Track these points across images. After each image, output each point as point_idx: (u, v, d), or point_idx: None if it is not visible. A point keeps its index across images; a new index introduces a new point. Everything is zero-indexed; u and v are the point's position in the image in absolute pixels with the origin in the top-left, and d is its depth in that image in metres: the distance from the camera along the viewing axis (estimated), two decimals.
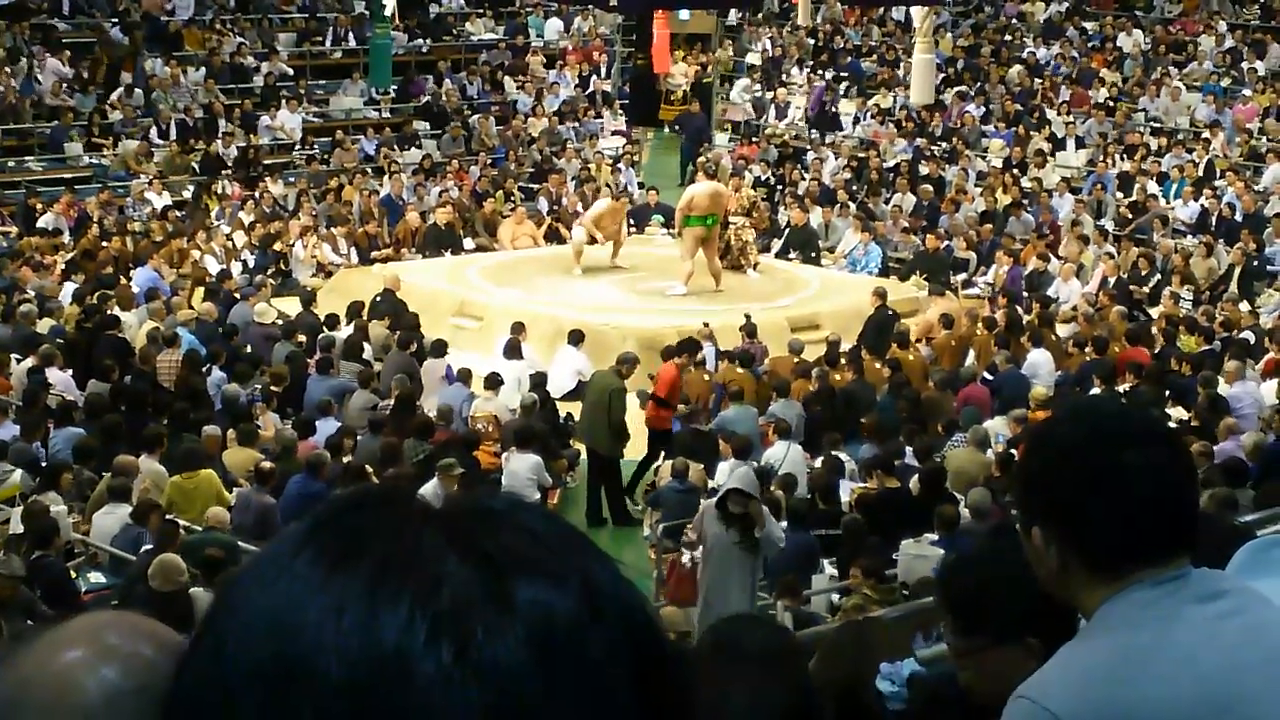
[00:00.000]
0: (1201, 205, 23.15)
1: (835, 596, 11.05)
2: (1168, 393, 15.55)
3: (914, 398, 15.52)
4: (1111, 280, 20.40)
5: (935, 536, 11.20)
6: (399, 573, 0.90)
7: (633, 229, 23.00)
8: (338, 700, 0.88)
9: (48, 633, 1.36)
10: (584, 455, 15.30)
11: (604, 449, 14.80)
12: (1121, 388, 15.39)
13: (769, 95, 30.39)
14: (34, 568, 10.20)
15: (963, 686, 3.00)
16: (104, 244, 20.76)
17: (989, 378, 16.50)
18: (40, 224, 21.85)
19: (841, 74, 31.31)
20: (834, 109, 28.81)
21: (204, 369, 16.08)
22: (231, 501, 12.70)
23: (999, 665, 2.85)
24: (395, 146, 26.85)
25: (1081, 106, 27.83)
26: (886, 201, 24.29)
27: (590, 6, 32.58)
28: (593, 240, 20.45)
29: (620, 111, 29.49)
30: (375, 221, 22.84)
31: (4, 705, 1.32)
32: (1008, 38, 32.20)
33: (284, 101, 27.19)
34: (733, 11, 32.24)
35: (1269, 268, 21.24)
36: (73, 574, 11.05)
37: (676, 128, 29.25)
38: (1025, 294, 20.25)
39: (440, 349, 16.85)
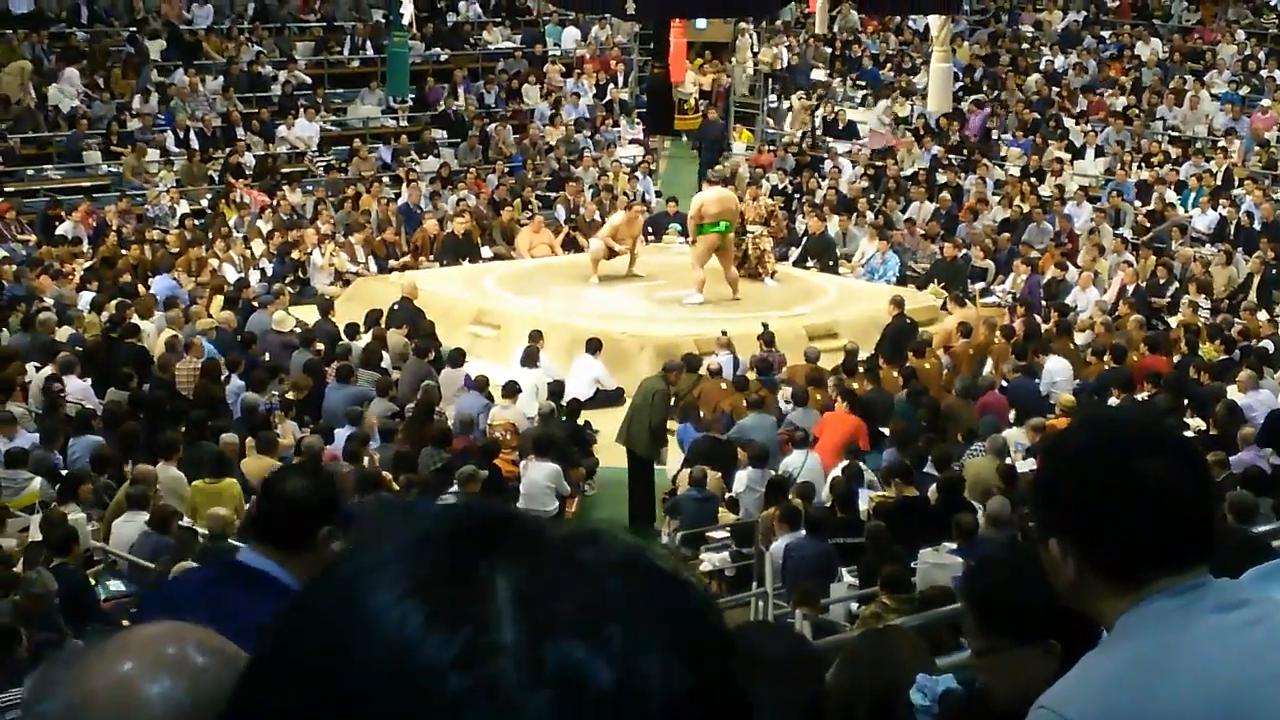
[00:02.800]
0: (1220, 214, 23.10)
1: (854, 605, 11.04)
2: (1186, 402, 15.52)
3: (933, 406, 15.50)
4: (1130, 289, 20.37)
5: (954, 545, 11.19)
6: (456, 624, 0.91)
7: (650, 238, 23.03)
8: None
9: (105, 643, 1.36)
10: (602, 464, 15.35)
11: (642, 450, 14.86)
12: (1140, 396, 15.36)
13: (784, 105, 30.39)
14: (53, 576, 10.22)
15: (981, 688, 3.00)
16: (123, 252, 20.81)
17: (1006, 384, 16.48)
18: (59, 232, 21.91)
19: (859, 82, 31.32)
20: (998, 132, 27.68)
21: (222, 377, 16.12)
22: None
23: (1018, 667, 2.85)
24: (413, 155, 26.88)
25: (1099, 115, 27.80)
26: (904, 210, 24.27)
27: (607, 15, 32.62)
28: (612, 253, 20.46)
29: (637, 120, 29.50)
30: (393, 229, 22.89)
31: (67, 717, 1.32)
32: (1025, 46, 32.18)
33: (301, 110, 27.24)
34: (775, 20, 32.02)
35: None
36: (92, 582, 11.07)
37: (695, 147, 29.04)
38: (1043, 302, 20.22)
39: (458, 359, 16.87)
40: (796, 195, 25.54)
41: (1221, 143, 26.02)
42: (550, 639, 0.90)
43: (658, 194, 26.13)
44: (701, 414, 15.74)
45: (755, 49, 32.02)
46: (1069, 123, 27.59)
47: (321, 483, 4.12)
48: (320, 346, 17.23)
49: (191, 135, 25.79)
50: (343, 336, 17.68)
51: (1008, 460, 13.51)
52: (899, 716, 3.30)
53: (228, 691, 1.36)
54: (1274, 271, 20.92)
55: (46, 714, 1.33)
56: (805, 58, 31.96)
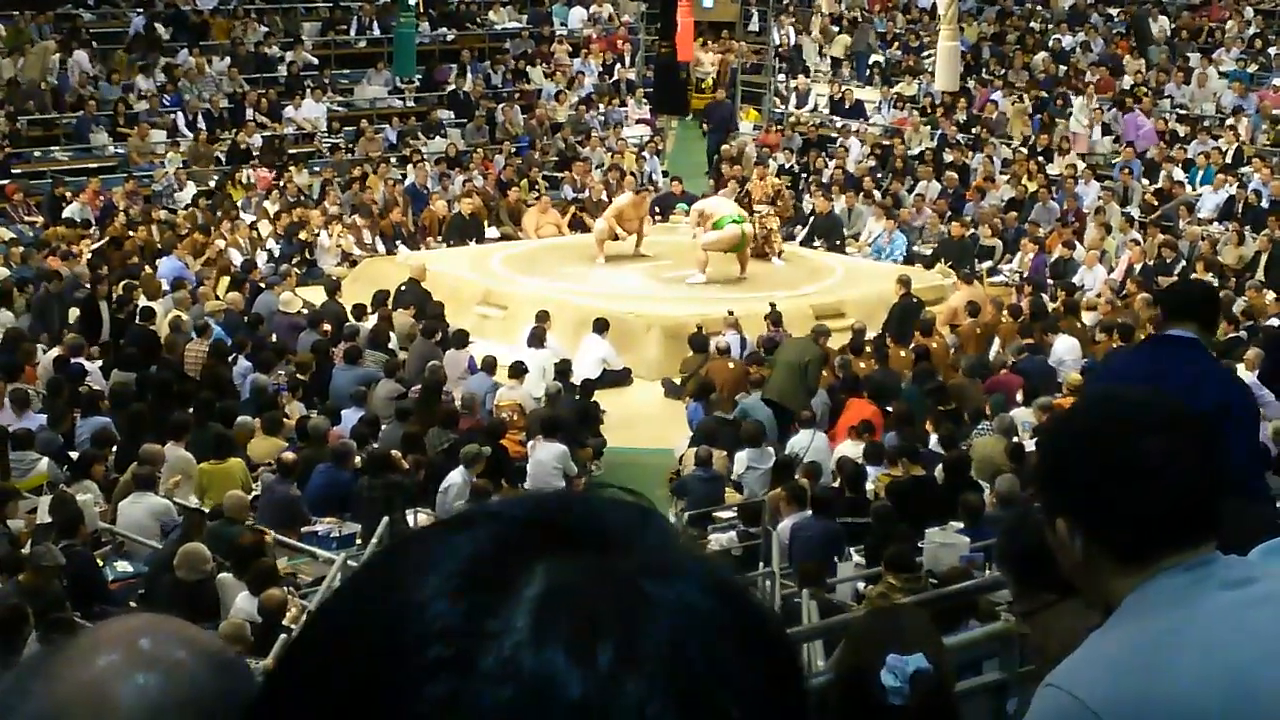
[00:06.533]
0: (1228, 192, 23.03)
1: (860, 584, 11.04)
2: None
3: (939, 386, 15.48)
4: (1138, 267, 20.34)
5: (961, 525, 11.17)
6: (459, 599, 0.90)
7: (657, 218, 23.01)
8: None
9: (79, 639, 1.31)
10: (610, 444, 15.34)
11: (797, 409, 14.99)
12: None
13: (792, 83, 30.34)
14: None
15: (1034, 649, 3.00)
16: (130, 234, 20.81)
17: (1013, 360, 16.46)
18: (66, 214, 21.90)
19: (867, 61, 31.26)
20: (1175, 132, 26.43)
21: (230, 358, 16.13)
22: (256, 490, 12.75)
23: (1065, 620, 2.86)
24: (419, 135, 26.87)
25: (1107, 93, 27.70)
26: (910, 189, 24.23)
27: None
28: (615, 236, 20.46)
29: (644, 100, 29.46)
30: (400, 210, 22.88)
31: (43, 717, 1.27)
32: (1032, 24, 32.08)
33: (308, 91, 27.21)
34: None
35: None
36: (99, 563, 11.09)
37: (704, 122, 28.97)
38: (1051, 281, 20.20)
39: (462, 340, 16.87)
40: (804, 175, 25.52)
41: (1229, 120, 25.95)
42: (542, 641, 0.88)
43: (664, 174, 26.10)
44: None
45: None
46: (1077, 100, 27.48)
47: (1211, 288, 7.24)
48: (327, 327, 17.23)
49: (199, 116, 25.79)
50: (350, 317, 17.68)
51: (1015, 439, 13.49)
52: (869, 697, 3.29)
53: (206, 687, 1.32)
54: None
55: None
56: (865, 41, 31.72)
